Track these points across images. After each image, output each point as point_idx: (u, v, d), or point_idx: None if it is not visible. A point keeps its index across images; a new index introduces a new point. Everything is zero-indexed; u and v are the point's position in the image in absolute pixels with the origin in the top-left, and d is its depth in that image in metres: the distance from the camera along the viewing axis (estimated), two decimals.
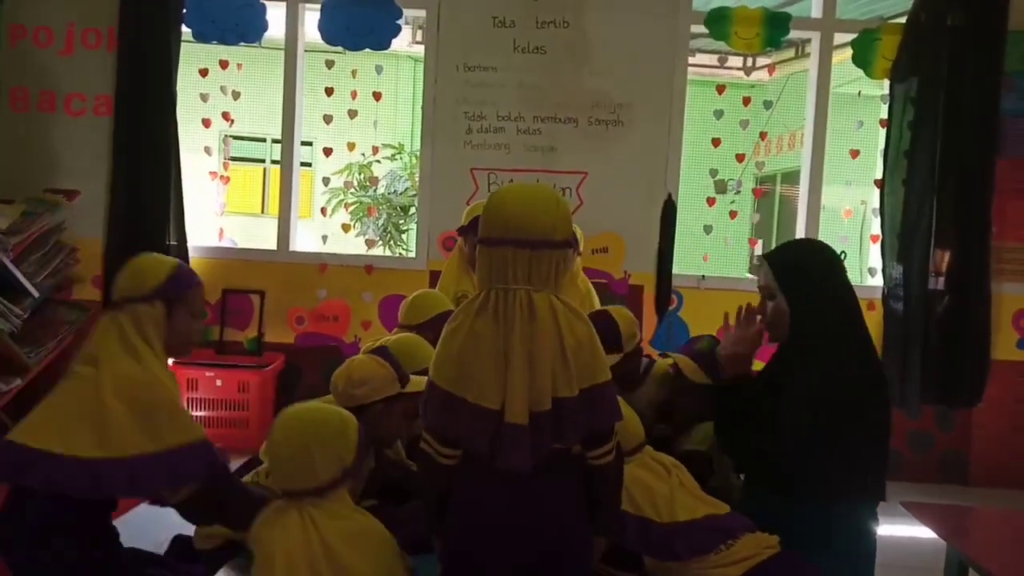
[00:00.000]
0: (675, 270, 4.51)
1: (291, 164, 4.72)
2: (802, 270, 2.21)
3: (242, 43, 4.59)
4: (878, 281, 4.53)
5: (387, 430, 2.22)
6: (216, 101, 4.87)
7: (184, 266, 2.09)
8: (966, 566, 2.65)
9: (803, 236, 4.53)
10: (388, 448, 2.31)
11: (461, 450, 1.68)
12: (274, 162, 6.53)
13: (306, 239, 5.07)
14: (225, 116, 4.94)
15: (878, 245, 4.52)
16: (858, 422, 2.13)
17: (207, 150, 5.04)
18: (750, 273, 6.22)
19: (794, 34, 4.75)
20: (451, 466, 1.69)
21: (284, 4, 4.58)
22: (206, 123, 4.96)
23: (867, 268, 4.83)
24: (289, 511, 1.70)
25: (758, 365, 2.38)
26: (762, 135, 5.52)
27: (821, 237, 4.57)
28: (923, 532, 2.79)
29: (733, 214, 4.97)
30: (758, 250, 8.58)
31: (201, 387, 4.29)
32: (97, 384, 1.82)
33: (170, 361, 4.25)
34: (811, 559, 2.03)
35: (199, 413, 4.31)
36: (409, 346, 2.45)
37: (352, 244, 5.85)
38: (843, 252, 2.25)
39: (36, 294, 4.28)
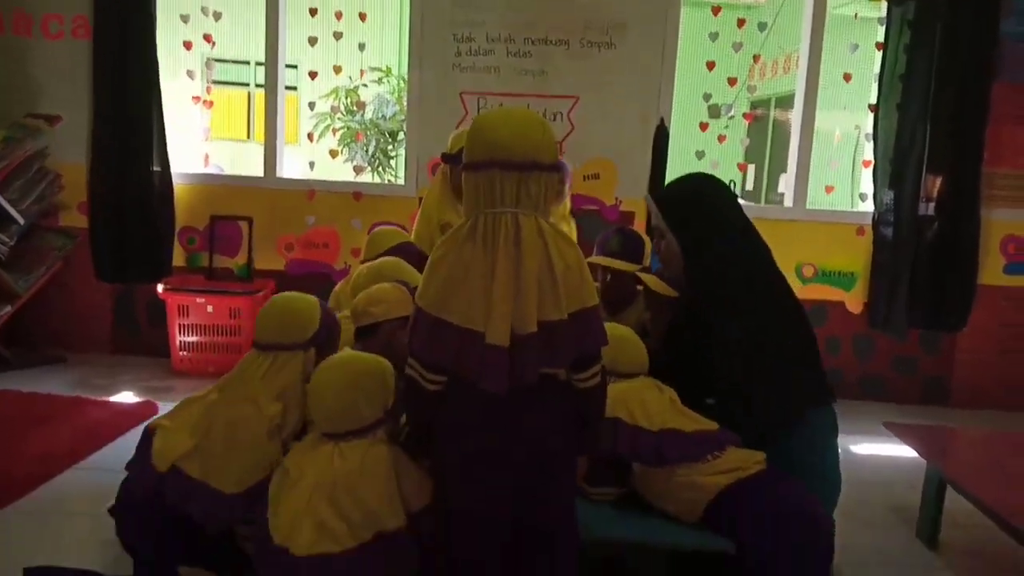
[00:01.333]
0: None
1: (276, 88, 4.62)
2: (679, 193, 2.20)
3: None
4: (869, 206, 4.53)
5: (400, 351, 2.25)
6: (197, 23, 4.74)
7: (327, 308, 2.17)
8: (945, 484, 2.74)
9: (797, 163, 4.51)
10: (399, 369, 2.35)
11: (446, 376, 1.69)
12: (258, 86, 6.39)
13: (293, 165, 5.00)
14: (207, 38, 4.81)
15: (870, 170, 4.50)
16: (787, 353, 2.16)
17: (190, 74, 4.91)
18: (742, 199, 6.21)
19: None
20: (436, 392, 1.71)
21: None
22: (187, 45, 4.84)
23: (858, 193, 4.82)
24: (324, 444, 1.83)
25: None
26: (755, 58, 5.41)
27: (813, 162, 4.55)
28: (904, 452, 2.87)
29: (722, 138, 4.92)
30: (751, 175, 8.57)
31: (192, 313, 4.29)
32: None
33: (160, 287, 4.26)
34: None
35: (191, 339, 4.33)
36: (397, 268, 2.53)
37: (340, 171, 5.76)
38: (731, 181, 2.25)
39: (21, 221, 4.24)
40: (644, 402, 2.05)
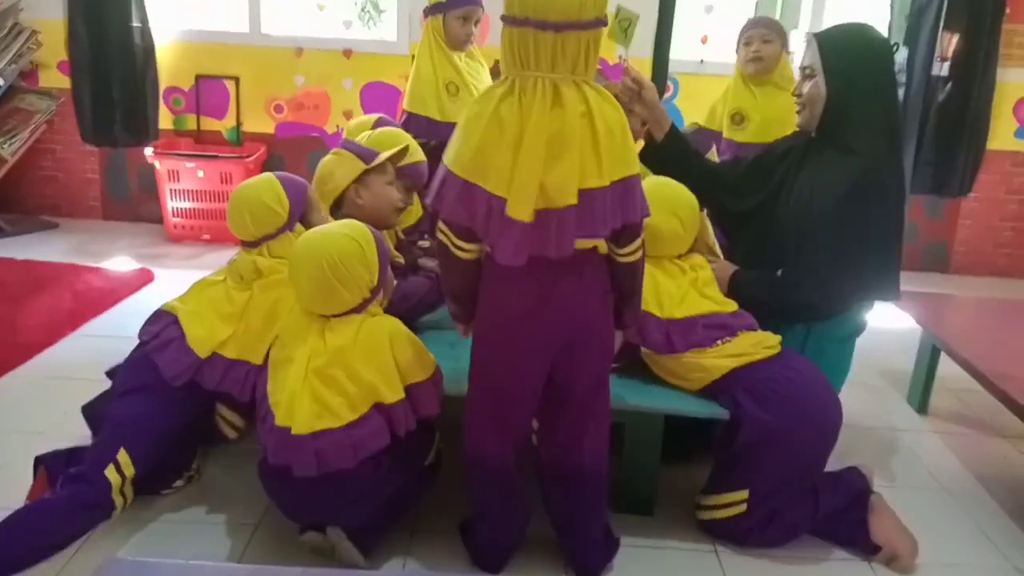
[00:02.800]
0: (672, 55, 4.28)
1: None
2: (849, 47, 2.07)
3: None
4: None
5: (375, 207, 2.22)
6: None
7: (287, 178, 2.09)
8: (938, 351, 2.76)
9: (812, 16, 4.29)
10: (390, 227, 2.30)
11: (479, 243, 1.64)
12: None
13: (279, 19, 4.75)
14: None
15: (884, 28, 4.29)
16: (891, 219, 2.10)
17: None
18: None
19: None
20: (470, 260, 1.66)
21: None
22: None
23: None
24: (313, 323, 1.79)
25: None
26: None
27: (825, 18, 4.33)
28: (900, 318, 2.88)
29: None
30: None
31: (183, 178, 4.20)
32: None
33: (149, 151, 4.15)
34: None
35: (183, 205, 4.26)
36: (388, 134, 2.44)
37: (328, 26, 5.47)
38: (895, 44, 2.10)
39: (1, 82, 4.08)
40: (657, 286, 2.01)
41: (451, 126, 2.77)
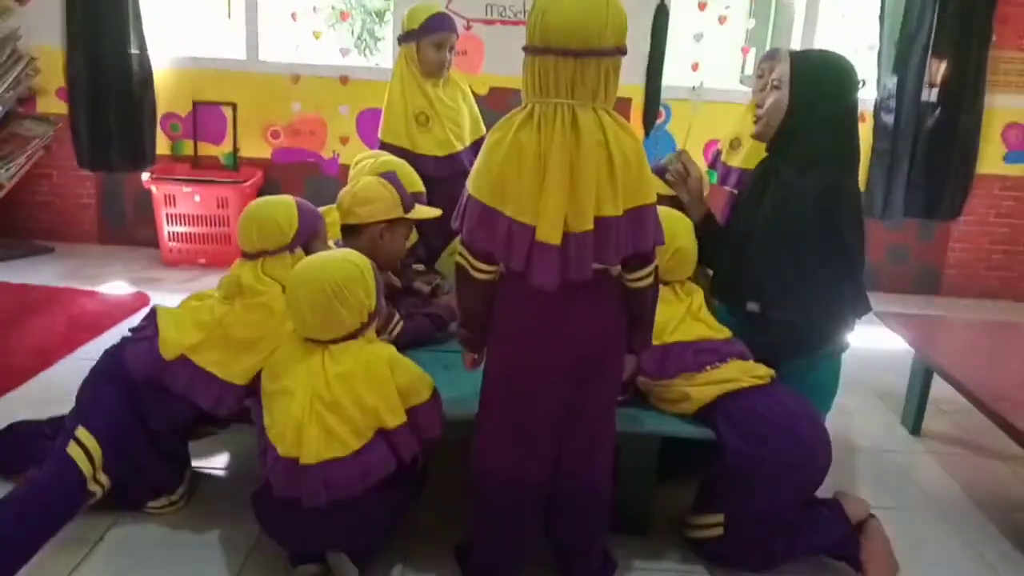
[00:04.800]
0: (664, 82, 4.34)
1: None
2: (821, 73, 2.12)
3: None
4: (871, 93, 4.41)
5: (387, 253, 2.25)
6: None
7: (304, 204, 2.12)
8: (931, 372, 2.78)
9: (801, 44, 4.36)
10: (386, 270, 2.31)
11: (496, 266, 1.66)
12: None
13: (276, 47, 4.80)
14: None
15: (874, 55, 4.35)
16: (858, 235, 2.13)
17: None
18: (742, 83, 6.05)
19: None
20: (487, 282, 1.69)
21: None
22: None
23: (862, 79, 4.68)
24: (314, 353, 1.79)
25: None
26: None
27: (818, 41, 4.40)
28: (893, 340, 2.90)
29: (723, 19, 4.72)
30: (751, 59, 8.32)
31: (179, 202, 4.22)
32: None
33: (146, 176, 4.18)
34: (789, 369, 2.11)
35: (179, 229, 4.27)
36: (409, 175, 2.47)
37: (325, 54, 5.54)
38: (862, 81, 2.16)
39: None
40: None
41: (422, 158, 2.85)
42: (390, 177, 2.31)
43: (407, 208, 2.27)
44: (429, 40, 2.86)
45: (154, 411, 2.02)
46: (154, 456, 2.05)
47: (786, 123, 2.14)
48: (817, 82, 2.11)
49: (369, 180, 2.27)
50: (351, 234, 2.24)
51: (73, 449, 1.90)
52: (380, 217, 2.21)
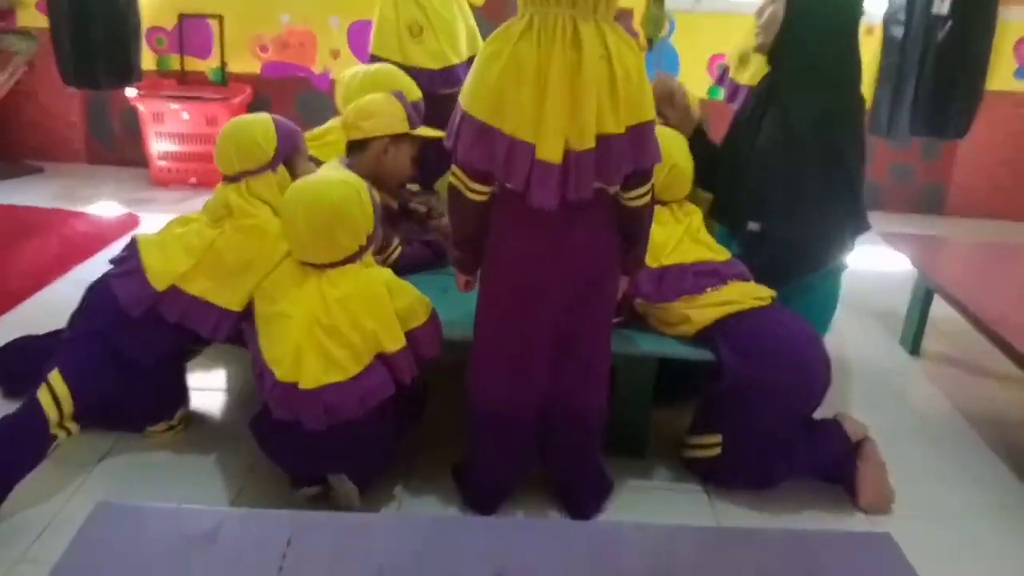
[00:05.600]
0: None
1: None
2: None
3: None
4: (881, 5, 4.26)
5: (391, 170, 2.20)
6: None
7: (281, 120, 2.06)
8: (932, 293, 2.76)
9: None
10: (388, 190, 2.26)
11: (491, 186, 1.62)
12: None
13: None
14: None
15: None
16: (858, 154, 2.10)
17: None
18: None
19: None
20: (481, 203, 1.64)
21: None
22: None
23: None
24: (311, 276, 1.76)
25: None
26: None
27: None
28: (893, 261, 2.87)
29: None
30: None
31: (168, 120, 4.11)
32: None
33: (132, 92, 4.05)
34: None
35: (169, 148, 4.18)
36: (397, 76, 2.41)
37: None
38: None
39: None
40: (650, 236, 2.00)
41: (415, 71, 2.76)
42: (397, 95, 2.24)
43: (413, 124, 2.21)
44: None
45: (141, 345, 1.99)
46: (142, 389, 2.02)
47: (783, 34, 2.08)
48: None
49: (374, 95, 2.21)
50: (356, 151, 2.18)
51: (42, 393, 1.87)
52: (385, 131, 2.15)
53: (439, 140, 2.06)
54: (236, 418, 2.16)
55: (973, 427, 2.44)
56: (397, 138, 2.17)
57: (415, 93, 2.43)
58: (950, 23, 4.14)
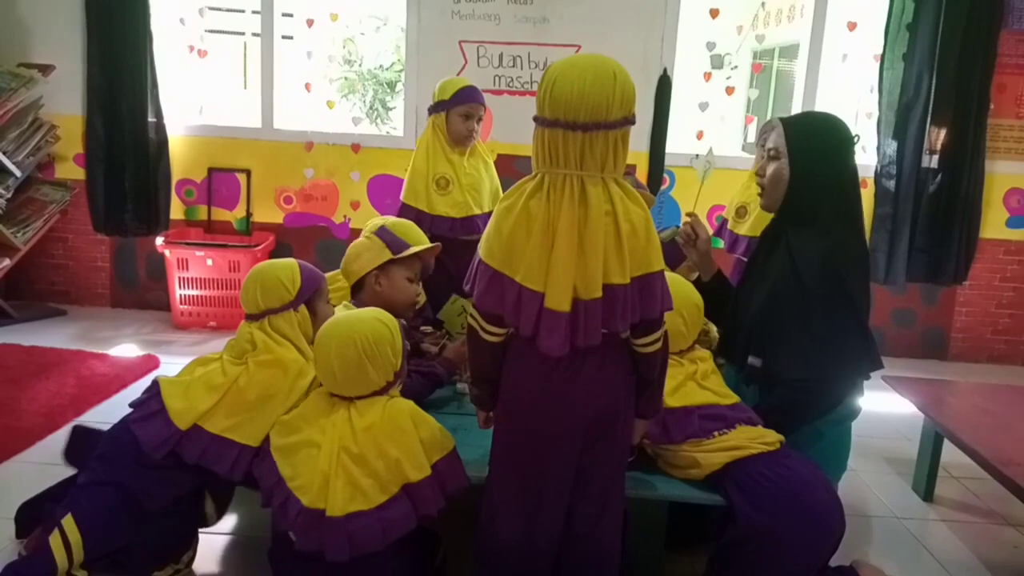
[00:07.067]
0: (668, 148, 4.44)
1: (271, 35, 4.53)
2: (814, 137, 2.17)
3: None
4: (871, 159, 4.49)
5: (392, 296, 2.31)
6: None
7: (306, 264, 2.18)
8: (941, 437, 2.76)
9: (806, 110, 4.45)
10: (402, 316, 2.34)
11: (506, 329, 1.69)
12: (254, 35, 6.27)
13: (291, 116, 4.93)
14: None
15: (873, 122, 4.44)
16: (864, 293, 2.15)
17: (182, 21, 4.81)
18: (744, 151, 6.15)
19: None
20: (497, 343, 1.71)
21: None
22: None
23: (861, 146, 4.77)
24: (339, 407, 1.83)
25: None
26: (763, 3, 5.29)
27: (819, 109, 4.47)
28: (902, 405, 2.89)
29: (730, 90, 4.84)
30: (752, 128, 8.46)
31: (192, 266, 4.28)
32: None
33: (159, 240, 4.23)
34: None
35: (191, 292, 4.32)
36: (404, 226, 2.51)
37: (337, 122, 5.68)
38: (857, 136, 2.20)
39: (18, 173, 4.21)
40: None
41: (439, 219, 2.95)
42: (378, 230, 2.38)
43: (395, 250, 2.33)
44: (457, 111, 3.04)
45: (157, 489, 1.98)
46: (153, 534, 2.00)
47: (790, 191, 2.17)
48: (813, 145, 2.16)
49: (355, 242, 2.40)
50: (356, 292, 2.35)
51: (54, 539, 1.87)
52: (370, 266, 2.31)
53: (451, 281, 2.16)
54: (239, 561, 2.13)
55: None
56: (383, 267, 2.31)
57: (418, 238, 2.51)
58: (940, 176, 4.35)
